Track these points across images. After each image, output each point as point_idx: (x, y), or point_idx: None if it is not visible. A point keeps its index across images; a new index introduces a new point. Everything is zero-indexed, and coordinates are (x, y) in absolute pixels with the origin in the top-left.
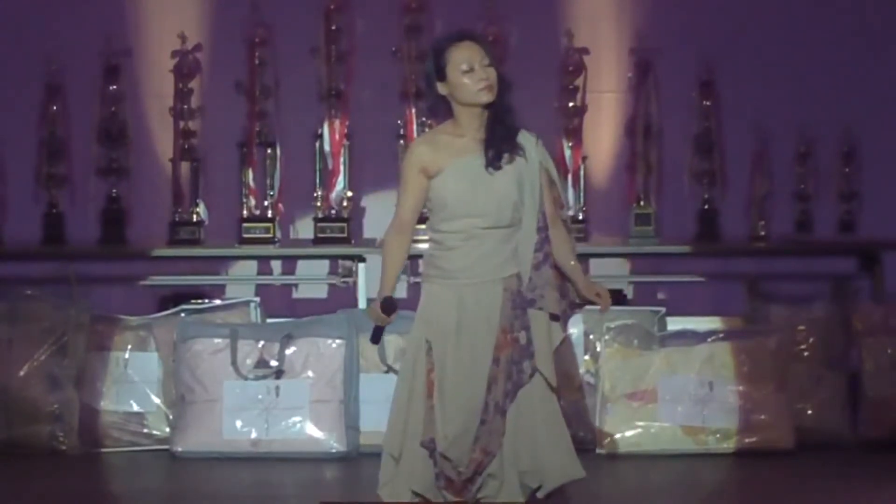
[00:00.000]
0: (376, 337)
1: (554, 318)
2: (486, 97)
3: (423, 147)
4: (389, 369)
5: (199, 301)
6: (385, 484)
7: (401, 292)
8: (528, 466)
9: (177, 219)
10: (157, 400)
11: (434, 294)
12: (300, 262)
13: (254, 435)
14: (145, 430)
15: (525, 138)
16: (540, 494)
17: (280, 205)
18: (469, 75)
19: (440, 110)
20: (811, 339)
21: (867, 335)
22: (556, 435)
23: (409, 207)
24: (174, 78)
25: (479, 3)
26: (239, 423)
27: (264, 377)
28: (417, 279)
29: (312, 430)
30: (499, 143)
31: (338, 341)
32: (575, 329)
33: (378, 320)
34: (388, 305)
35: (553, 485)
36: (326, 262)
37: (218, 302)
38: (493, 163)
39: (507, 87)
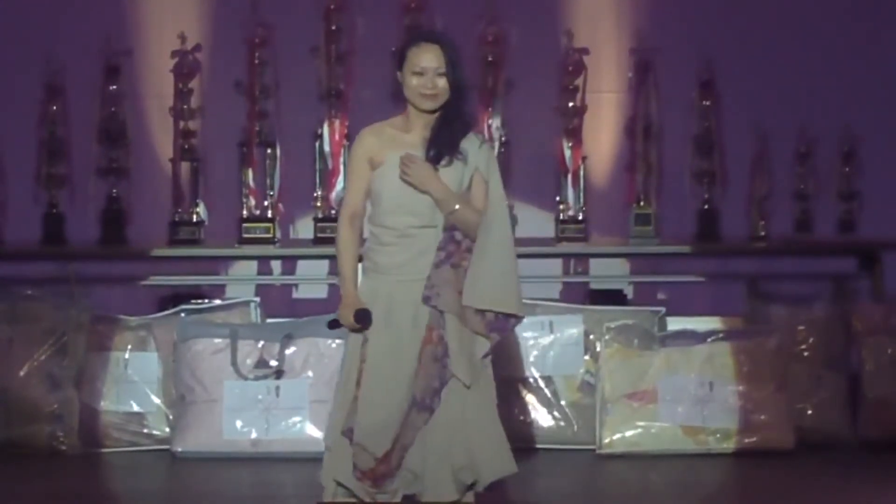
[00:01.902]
0: (334, 326)
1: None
2: (426, 105)
3: (371, 138)
4: None
5: (199, 301)
6: (322, 472)
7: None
8: (462, 462)
9: (177, 219)
10: (157, 400)
11: (368, 287)
12: (300, 262)
13: (254, 435)
14: (145, 430)
15: (469, 142)
16: (477, 489)
17: (280, 205)
18: (417, 77)
19: (401, 96)
20: (811, 339)
21: (867, 335)
22: (489, 431)
23: (357, 197)
24: (174, 78)
25: (479, 3)
26: (239, 423)
27: (264, 377)
28: None
29: (312, 431)
30: (441, 145)
31: (338, 341)
32: (575, 329)
33: (350, 327)
34: (363, 317)
35: (487, 480)
36: (326, 262)
37: (218, 302)
38: (432, 163)
39: (462, 92)
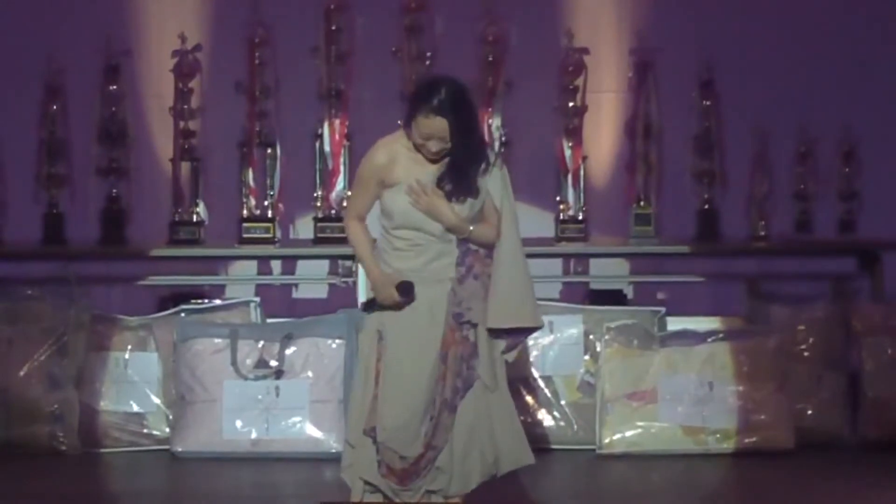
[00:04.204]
0: (369, 307)
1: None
2: (431, 158)
3: (384, 158)
4: None
5: (199, 301)
6: (345, 468)
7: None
8: (485, 454)
9: (177, 219)
10: (157, 400)
11: None
12: (300, 262)
13: (254, 435)
14: (145, 430)
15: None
16: (497, 475)
17: (280, 205)
18: (424, 139)
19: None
20: (811, 339)
21: (867, 335)
22: (510, 425)
23: (363, 206)
24: (174, 78)
25: (479, 3)
26: (239, 423)
27: (264, 377)
28: None
29: (312, 430)
30: (454, 182)
31: (338, 341)
32: (575, 329)
33: (393, 303)
34: (406, 290)
35: (506, 469)
36: (326, 262)
37: (218, 302)
38: (449, 196)
39: (472, 139)
